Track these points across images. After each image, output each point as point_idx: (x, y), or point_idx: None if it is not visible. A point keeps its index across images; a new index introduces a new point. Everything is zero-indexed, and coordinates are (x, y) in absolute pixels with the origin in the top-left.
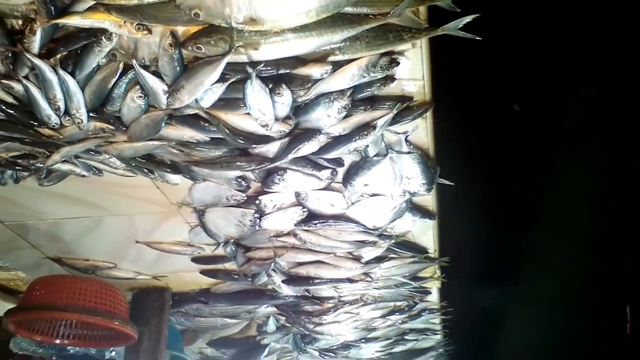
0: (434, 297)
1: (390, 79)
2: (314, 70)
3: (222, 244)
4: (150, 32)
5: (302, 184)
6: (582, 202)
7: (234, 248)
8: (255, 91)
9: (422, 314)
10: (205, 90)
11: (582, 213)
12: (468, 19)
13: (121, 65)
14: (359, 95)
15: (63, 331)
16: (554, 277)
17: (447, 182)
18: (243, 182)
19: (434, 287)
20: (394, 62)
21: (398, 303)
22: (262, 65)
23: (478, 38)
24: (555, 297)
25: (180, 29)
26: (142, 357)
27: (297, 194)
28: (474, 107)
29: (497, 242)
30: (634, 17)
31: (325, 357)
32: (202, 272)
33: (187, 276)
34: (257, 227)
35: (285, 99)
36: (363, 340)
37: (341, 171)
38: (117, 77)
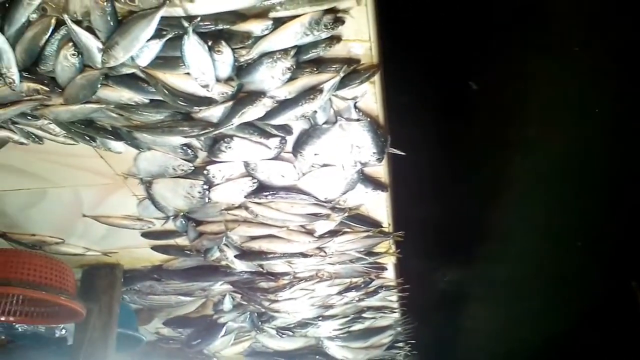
0: (390, 274)
1: (336, 39)
2: (254, 26)
3: (172, 217)
4: None
5: (250, 152)
6: (546, 173)
7: (184, 222)
8: (193, 47)
9: (379, 291)
10: (141, 46)
11: (545, 185)
12: None
13: (53, 21)
14: (304, 57)
15: (8, 308)
16: (513, 252)
17: (398, 152)
18: (189, 151)
19: (390, 262)
20: (339, 21)
21: (354, 279)
22: (199, 19)
23: None
24: (515, 273)
25: None
26: (91, 334)
27: (247, 164)
28: (426, 71)
29: (453, 216)
30: None
31: (284, 335)
32: (154, 247)
33: (139, 252)
34: (206, 199)
35: (225, 57)
36: (320, 318)
37: (290, 140)
38: (49, 34)
